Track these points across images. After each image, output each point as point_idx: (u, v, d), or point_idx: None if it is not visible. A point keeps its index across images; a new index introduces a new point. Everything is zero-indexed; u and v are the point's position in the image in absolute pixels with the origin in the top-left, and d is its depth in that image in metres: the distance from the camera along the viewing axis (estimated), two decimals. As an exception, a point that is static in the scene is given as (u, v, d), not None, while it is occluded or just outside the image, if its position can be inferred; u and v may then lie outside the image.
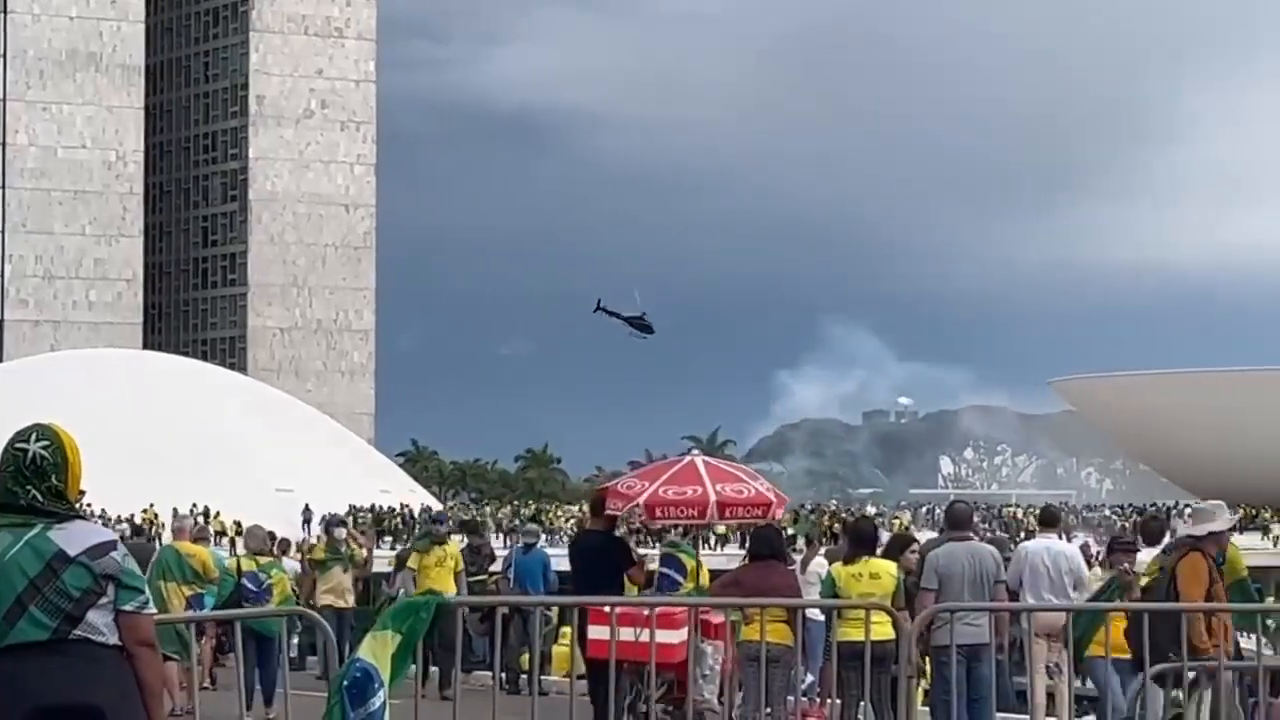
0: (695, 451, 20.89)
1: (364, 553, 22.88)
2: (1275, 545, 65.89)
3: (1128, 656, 11.61)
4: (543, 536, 31.15)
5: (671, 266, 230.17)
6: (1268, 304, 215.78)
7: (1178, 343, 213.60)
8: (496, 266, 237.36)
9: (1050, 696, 14.89)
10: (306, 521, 79.53)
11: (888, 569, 13.81)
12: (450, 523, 20.03)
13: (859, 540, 14.33)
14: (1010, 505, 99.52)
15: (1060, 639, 14.40)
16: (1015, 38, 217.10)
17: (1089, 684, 14.45)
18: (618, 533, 18.34)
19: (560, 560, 21.03)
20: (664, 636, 12.03)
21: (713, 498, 19.52)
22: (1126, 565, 13.96)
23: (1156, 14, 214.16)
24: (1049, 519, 16.38)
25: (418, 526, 67.26)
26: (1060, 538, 16.38)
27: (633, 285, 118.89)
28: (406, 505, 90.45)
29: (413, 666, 9.37)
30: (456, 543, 21.48)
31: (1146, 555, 14.36)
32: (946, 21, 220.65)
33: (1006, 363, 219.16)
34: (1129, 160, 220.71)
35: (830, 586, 13.93)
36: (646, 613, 12.04)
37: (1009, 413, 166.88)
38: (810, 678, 15.68)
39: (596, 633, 14.49)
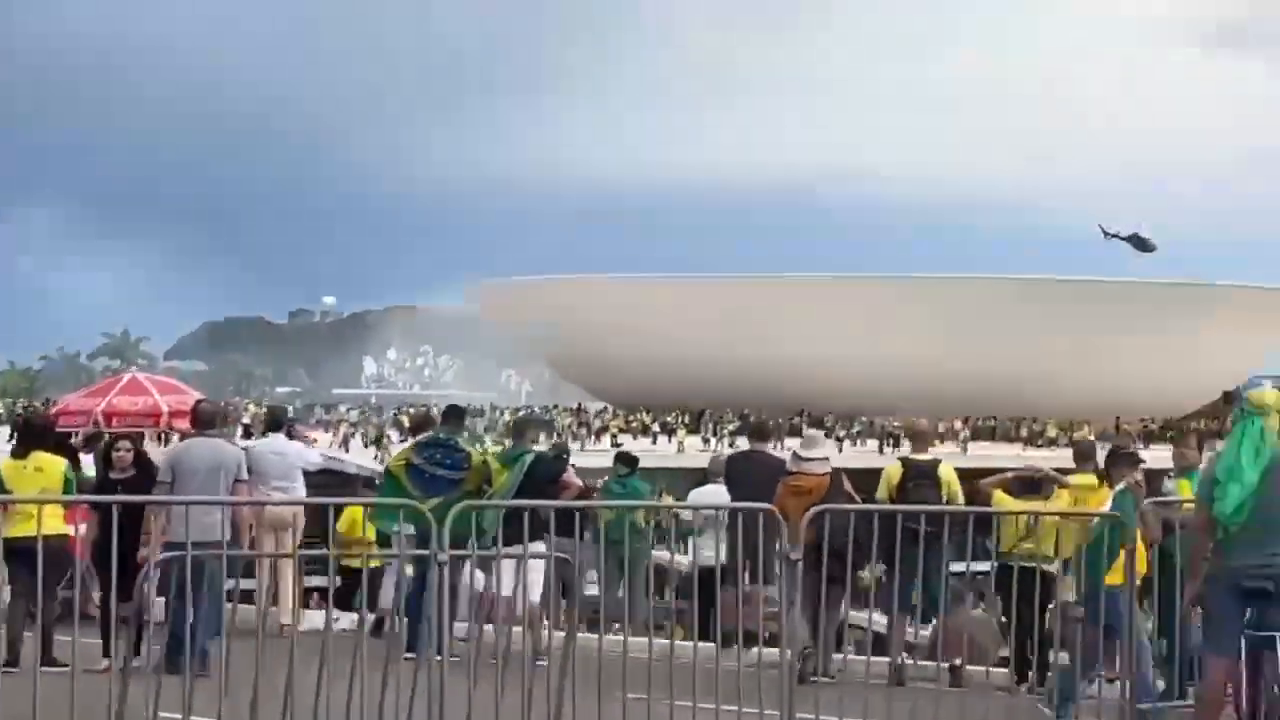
0: (134, 369, 21.76)
1: None
2: (678, 451, 69.77)
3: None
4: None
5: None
6: (687, 215, 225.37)
7: (604, 249, 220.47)
8: None
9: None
10: None
11: (56, 465, 13.52)
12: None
13: (28, 433, 13.84)
14: (430, 405, 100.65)
15: (286, 530, 15.16)
16: None
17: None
18: None
19: None
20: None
21: (100, 407, 20.76)
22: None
23: None
24: (274, 423, 17.49)
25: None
26: (288, 438, 17.06)
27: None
28: None
29: None
30: None
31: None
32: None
33: (430, 263, 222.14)
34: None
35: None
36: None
37: (430, 313, 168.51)
38: None
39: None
